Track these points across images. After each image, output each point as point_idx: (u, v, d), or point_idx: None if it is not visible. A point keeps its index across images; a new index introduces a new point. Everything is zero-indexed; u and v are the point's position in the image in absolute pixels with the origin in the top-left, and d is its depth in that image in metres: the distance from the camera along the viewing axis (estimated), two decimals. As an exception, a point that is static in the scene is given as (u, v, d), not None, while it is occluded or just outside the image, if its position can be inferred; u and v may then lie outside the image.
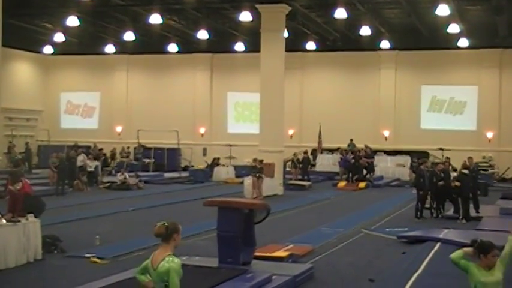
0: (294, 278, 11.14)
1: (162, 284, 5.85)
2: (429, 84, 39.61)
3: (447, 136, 37.64)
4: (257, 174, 25.77)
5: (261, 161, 26.44)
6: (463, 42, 36.33)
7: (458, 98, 39.30)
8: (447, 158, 27.82)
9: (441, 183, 20.50)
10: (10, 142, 36.57)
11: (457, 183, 20.19)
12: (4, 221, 12.78)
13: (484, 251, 6.75)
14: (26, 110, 42.19)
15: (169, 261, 5.84)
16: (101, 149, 37.26)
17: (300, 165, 33.81)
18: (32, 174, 32.37)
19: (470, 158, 21.97)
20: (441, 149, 35.27)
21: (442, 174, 20.81)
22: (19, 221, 12.94)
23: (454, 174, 22.40)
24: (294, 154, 34.57)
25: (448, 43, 36.82)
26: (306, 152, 34.47)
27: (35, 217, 13.50)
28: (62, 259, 13.34)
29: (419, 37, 37.13)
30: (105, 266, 12.29)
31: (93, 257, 13.22)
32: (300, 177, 33.15)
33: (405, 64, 39.82)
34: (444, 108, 39.61)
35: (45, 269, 12.49)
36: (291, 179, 31.83)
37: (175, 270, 5.81)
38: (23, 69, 43.32)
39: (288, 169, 33.03)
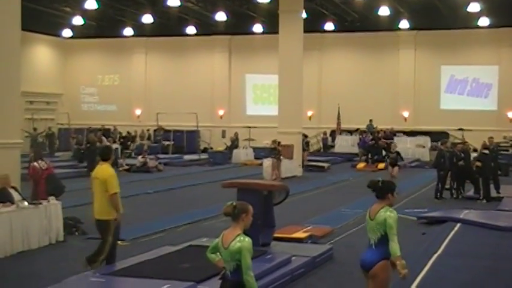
0: (314, 258, 11.18)
1: (233, 263, 5.96)
2: (449, 64, 39.28)
3: (467, 116, 37.36)
4: (276, 156, 25.74)
5: (280, 143, 26.43)
6: (483, 21, 35.93)
7: (479, 77, 38.95)
8: (464, 140, 27.64)
9: (461, 163, 20.39)
10: (35, 129, 36.98)
11: (478, 164, 20.06)
12: (26, 203, 12.95)
13: (392, 189, 7.06)
14: (46, 94, 42.46)
15: (241, 240, 5.93)
16: (125, 137, 37.53)
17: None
18: (54, 157, 32.68)
19: (490, 138, 21.82)
20: (461, 129, 35.06)
21: (462, 155, 20.70)
22: (41, 203, 13.10)
23: (474, 154, 22.27)
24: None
25: (468, 22, 36.44)
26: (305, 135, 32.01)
27: (56, 199, 13.67)
28: (83, 241, 13.47)
29: (439, 17, 36.76)
30: (125, 247, 12.38)
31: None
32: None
33: (424, 44, 39.49)
34: (464, 88, 39.29)
35: (66, 250, 12.63)
36: (310, 161, 31.72)
37: (247, 249, 5.91)
38: (42, 53, 43.54)
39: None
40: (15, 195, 13.10)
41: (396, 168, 22.66)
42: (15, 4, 14.64)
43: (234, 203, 6.15)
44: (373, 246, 6.94)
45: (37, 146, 28.19)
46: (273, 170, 25.61)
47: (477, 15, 35.04)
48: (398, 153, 23.30)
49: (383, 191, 7.06)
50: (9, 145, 14.10)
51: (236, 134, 38.44)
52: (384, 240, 6.84)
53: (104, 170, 10.22)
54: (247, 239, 5.96)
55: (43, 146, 34.57)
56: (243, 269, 5.88)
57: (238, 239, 5.95)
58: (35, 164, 14.79)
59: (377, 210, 6.98)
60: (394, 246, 6.73)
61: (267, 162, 26.37)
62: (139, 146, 36.74)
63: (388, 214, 6.86)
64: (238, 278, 5.93)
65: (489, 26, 36.58)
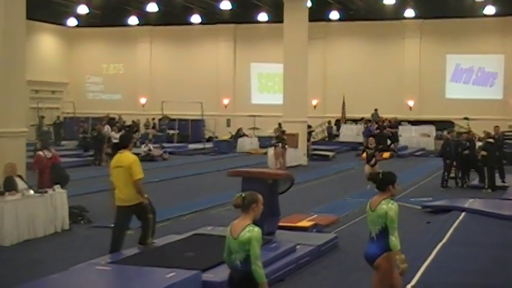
0: (318, 247, 11.20)
1: (243, 253, 5.97)
2: (454, 53, 39.14)
3: (472, 105, 37.27)
4: (281, 144, 25.67)
5: (284, 131, 26.41)
6: (489, 10, 35.77)
7: (484, 66, 38.84)
8: (470, 129, 27.58)
9: (466, 152, 20.38)
10: (43, 117, 37.11)
11: (483, 153, 20.03)
12: (32, 191, 13.00)
13: (393, 180, 7.04)
14: (51, 83, 42.48)
15: (250, 231, 5.96)
16: (130, 125, 37.60)
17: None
18: (60, 146, 32.78)
19: (496, 127, 21.79)
20: (466, 118, 35.01)
21: (468, 144, 20.68)
22: (46, 192, 13.15)
23: (479, 143, 22.24)
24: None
25: (473, 11, 36.30)
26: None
27: (61, 188, 13.72)
28: (88, 229, 13.55)
29: (444, 5, 36.63)
30: (131, 236, 12.39)
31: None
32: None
33: (430, 33, 39.34)
34: (469, 77, 39.18)
35: (72, 238, 12.70)
36: (315, 150, 31.70)
37: (256, 239, 5.94)
38: (47, 42, 43.54)
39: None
40: (21, 184, 13.16)
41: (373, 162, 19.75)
42: (20, -7, 14.65)
43: (243, 194, 6.14)
44: (375, 239, 6.95)
45: (44, 135, 28.36)
46: (277, 159, 25.57)
47: (483, 4, 34.90)
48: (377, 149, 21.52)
49: (383, 182, 7.06)
50: (14, 134, 14.14)
51: (240, 129, 38.08)
52: (384, 232, 6.85)
53: (126, 157, 10.40)
54: (257, 229, 5.98)
55: (49, 135, 34.69)
56: (251, 258, 5.90)
57: (247, 229, 5.97)
58: (40, 153, 14.85)
59: (378, 202, 6.98)
60: (394, 241, 6.75)
61: (272, 151, 26.36)
62: (144, 134, 36.78)
63: (389, 206, 6.86)
64: (247, 268, 5.95)
65: (495, 15, 36.41)
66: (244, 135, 36.98)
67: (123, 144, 10.73)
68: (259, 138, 36.12)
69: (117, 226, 10.49)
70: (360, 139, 35.17)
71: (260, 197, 6.19)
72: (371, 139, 20.99)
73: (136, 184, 10.25)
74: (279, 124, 28.61)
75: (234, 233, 6.04)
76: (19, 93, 14.55)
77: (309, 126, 31.17)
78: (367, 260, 7.10)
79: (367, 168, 19.28)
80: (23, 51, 14.80)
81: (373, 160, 19.58)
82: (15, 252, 11.50)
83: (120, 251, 10.27)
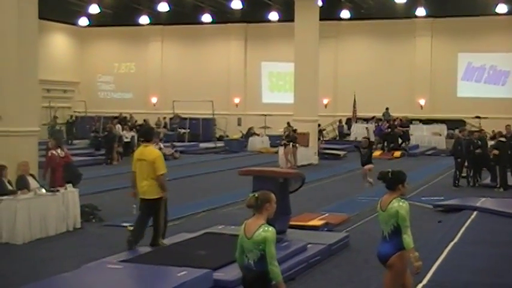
0: (329, 246, 11.19)
1: (257, 252, 5.98)
2: (466, 52, 38.97)
3: (484, 104, 37.05)
4: (291, 143, 25.65)
5: (295, 130, 26.38)
6: (501, 8, 35.60)
7: (496, 65, 38.66)
8: (481, 128, 27.46)
9: (478, 151, 20.29)
10: (56, 117, 37.30)
11: (495, 152, 19.95)
12: (44, 190, 13.07)
13: (403, 179, 7.06)
14: (63, 82, 42.66)
15: (265, 230, 5.97)
16: (141, 125, 37.65)
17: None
18: (71, 145, 32.94)
19: (508, 126, 21.66)
20: (478, 117, 34.84)
21: (479, 142, 20.60)
22: (58, 191, 13.21)
23: (491, 142, 22.14)
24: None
25: (485, 9, 36.13)
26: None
27: (74, 186, 13.78)
28: (100, 228, 13.60)
29: (456, 3, 36.49)
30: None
31: (130, 225, 13.39)
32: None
33: (441, 31, 39.20)
34: (481, 75, 39.01)
35: (83, 237, 12.75)
36: (325, 149, 31.66)
37: (271, 239, 5.95)
38: (59, 42, 43.72)
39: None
40: (33, 183, 13.23)
41: (369, 166, 19.98)
42: (33, -7, 14.72)
43: (256, 194, 6.17)
44: (387, 238, 6.94)
45: (57, 134, 28.58)
46: (286, 157, 25.54)
47: (495, 2, 34.74)
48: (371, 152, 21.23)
49: (393, 182, 7.05)
50: (27, 133, 14.20)
51: (251, 128, 38.09)
52: (397, 231, 6.84)
53: (151, 151, 10.59)
54: (271, 229, 6.00)
55: (62, 134, 34.86)
56: (268, 258, 5.91)
57: (262, 228, 5.98)
58: (53, 151, 14.91)
59: (388, 201, 6.97)
60: (408, 239, 6.73)
61: (282, 150, 26.35)
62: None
63: (400, 205, 6.85)
64: (262, 267, 5.96)
65: (507, 13, 36.21)
66: (254, 134, 36.99)
67: (147, 137, 11.01)
68: (270, 137, 36.13)
69: (138, 217, 10.77)
70: (371, 138, 35.06)
71: (273, 196, 6.21)
72: (364, 140, 21.21)
73: (159, 179, 10.46)
74: (288, 123, 28.57)
75: (247, 232, 6.05)
76: (31, 92, 14.61)
77: (318, 125, 31.05)
78: (380, 260, 7.09)
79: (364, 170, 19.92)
80: (36, 51, 14.86)
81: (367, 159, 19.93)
82: (28, 251, 11.56)
83: (130, 250, 10.33)
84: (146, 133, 11.56)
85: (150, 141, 10.93)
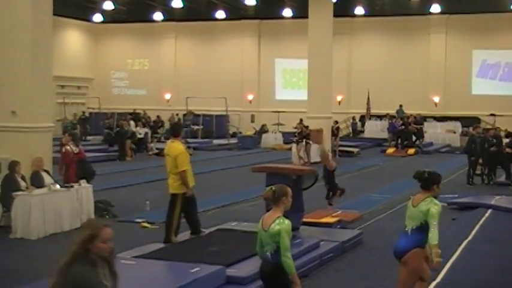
0: (342, 243, 11.19)
1: (273, 244, 6.10)
2: (480, 49, 38.72)
3: (499, 101, 36.83)
4: (305, 140, 25.60)
5: (307, 127, 26.31)
6: (517, 5, 35.38)
7: (511, 62, 38.39)
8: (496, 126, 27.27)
9: (493, 149, 20.18)
10: (74, 114, 37.54)
11: (509, 150, 19.83)
12: (58, 186, 13.13)
13: (438, 181, 7.11)
14: (77, 78, 42.82)
15: (280, 223, 6.09)
16: (155, 121, 37.77)
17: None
18: (85, 141, 33.09)
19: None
20: (493, 114, 34.61)
21: (494, 140, 20.48)
22: (72, 187, 13.27)
23: (506, 140, 22.02)
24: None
25: (500, 6, 35.91)
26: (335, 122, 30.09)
27: (87, 182, 13.83)
28: (113, 224, 13.58)
29: (470, 0, 36.25)
30: (155, 230, 12.50)
31: (143, 221, 13.48)
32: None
33: (456, 28, 38.98)
34: (496, 73, 38.77)
35: (97, 233, 12.76)
36: (340, 146, 31.54)
37: (286, 231, 6.08)
38: (73, 38, 43.89)
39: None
40: (47, 179, 13.29)
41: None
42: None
43: (273, 188, 6.29)
44: (409, 233, 6.96)
45: (74, 129, 28.82)
46: (299, 153, 25.48)
47: (510, -1, 34.52)
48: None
49: (428, 182, 7.10)
50: (41, 129, 14.24)
51: (265, 125, 38.11)
52: (421, 229, 6.86)
53: (175, 147, 10.72)
54: (287, 221, 6.11)
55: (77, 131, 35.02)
56: (281, 250, 6.04)
57: (277, 221, 6.09)
58: (67, 147, 14.98)
59: (420, 199, 7.02)
60: (434, 234, 6.75)
61: (296, 147, 26.30)
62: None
63: (432, 205, 6.90)
64: (277, 259, 6.08)
65: (522, 10, 36.01)
66: (268, 130, 36.97)
67: (174, 132, 11.11)
68: (283, 133, 36.09)
69: (167, 211, 10.90)
70: (385, 135, 35.05)
71: (289, 189, 6.33)
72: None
73: (181, 175, 10.58)
74: (300, 120, 28.49)
75: (264, 225, 6.17)
76: (46, 88, 14.65)
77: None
78: (395, 254, 7.09)
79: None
80: (50, 47, 14.90)
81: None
82: (42, 246, 11.63)
83: (144, 246, 10.35)
84: (173, 128, 11.68)
85: (177, 136, 10.99)
